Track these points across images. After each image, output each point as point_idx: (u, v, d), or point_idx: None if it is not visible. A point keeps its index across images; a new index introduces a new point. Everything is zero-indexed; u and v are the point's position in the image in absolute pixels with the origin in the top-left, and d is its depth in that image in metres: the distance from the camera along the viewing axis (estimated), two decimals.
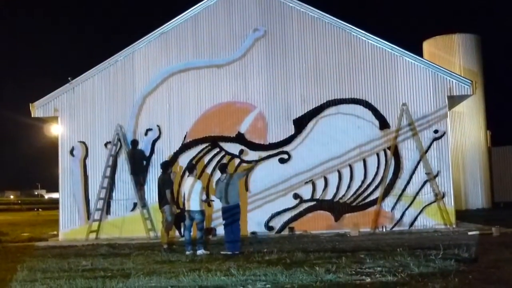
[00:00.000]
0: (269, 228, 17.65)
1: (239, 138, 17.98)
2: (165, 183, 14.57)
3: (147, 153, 18.07)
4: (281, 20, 18.35)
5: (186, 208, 13.45)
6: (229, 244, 12.94)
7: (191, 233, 13.52)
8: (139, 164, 17.87)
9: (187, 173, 14.71)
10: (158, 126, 18.22)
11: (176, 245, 14.89)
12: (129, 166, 17.77)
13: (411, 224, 17.38)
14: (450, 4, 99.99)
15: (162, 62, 18.47)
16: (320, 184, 17.72)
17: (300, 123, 17.96)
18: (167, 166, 15.37)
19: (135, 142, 17.95)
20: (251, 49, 18.28)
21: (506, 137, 35.81)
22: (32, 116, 18.53)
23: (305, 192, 17.72)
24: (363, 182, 17.66)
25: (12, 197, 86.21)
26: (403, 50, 17.98)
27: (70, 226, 18.10)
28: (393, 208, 17.50)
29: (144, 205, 17.73)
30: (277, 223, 17.66)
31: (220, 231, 14.88)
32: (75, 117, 18.46)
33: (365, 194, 17.63)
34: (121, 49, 18.61)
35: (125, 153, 17.89)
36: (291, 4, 18.28)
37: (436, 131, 17.62)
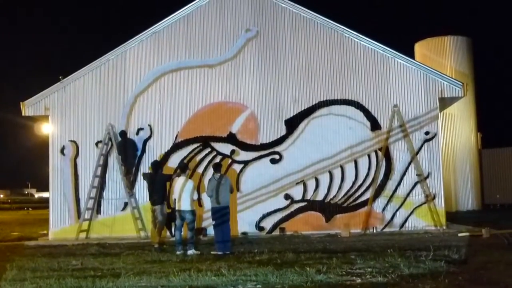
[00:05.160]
0: (260, 228, 17.64)
1: (231, 138, 17.97)
2: (158, 180, 14.57)
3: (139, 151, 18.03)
4: (273, 20, 18.35)
5: (177, 208, 13.42)
6: (220, 244, 12.93)
7: (182, 233, 13.50)
8: (130, 152, 17.79)
9: (178, 172, 14.67)
10: (149, 125, 18.16)
11: (166, 245, 14.85)
12: (119, 154, 17.72)
13: (402, 225, 17.43)
14: (442, 6, 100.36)
15: (154, 62, 18.41)
16: (311, 184, 17.74)
17: (292, 124, 17.96)
18: (157, 166, 15.39)
19: (124, 133, 17.89)
20: (243, 49, 18.28)
21: (497, 139, 35.97)
22: (23, 114, 18.43)
23: (296, 192, 17.73)
24: (354, 183, 17.69)
25: (1, 196, 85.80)
26: (395, 52, 18.03)
27: (60, 226, 18.00)
28: (383, 209, 17.54)
29: (131, 189, 17.67)
30: (268, 223, 17.65)
31: (211, 231, 14.85)
32: (66, 116, 18.37)
33: (356, 195, 17.66)
34: (112, 48, 18.56)
35: (115, 147, 17.78)
36: (283, 5, 18.29)
37: (427, 133, 17.68)
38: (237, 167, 17.83)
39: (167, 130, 18.12)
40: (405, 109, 17.78)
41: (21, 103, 18.30)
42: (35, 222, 28.38)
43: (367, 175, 17.69)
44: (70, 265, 11.47)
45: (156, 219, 14.64)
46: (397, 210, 17.51)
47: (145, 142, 18.10)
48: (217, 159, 17.61)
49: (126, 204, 17.77)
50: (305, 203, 17.70)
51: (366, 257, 10.92)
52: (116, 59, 18.46)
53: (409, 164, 17.60)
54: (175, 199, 13.47)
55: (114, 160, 18.01)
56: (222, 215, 13.11)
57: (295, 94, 18.03)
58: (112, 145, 17.99)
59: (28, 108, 18.36)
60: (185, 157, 17.84)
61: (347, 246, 13.47)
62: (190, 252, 12.94)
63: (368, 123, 17.83)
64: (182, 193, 13.34)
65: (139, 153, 18.00)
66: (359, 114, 17.86)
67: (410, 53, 28.75)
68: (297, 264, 10.35)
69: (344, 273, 9.33)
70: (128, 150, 17.78)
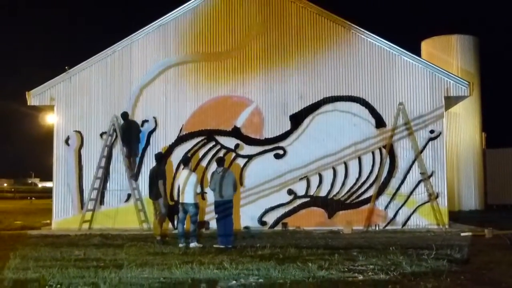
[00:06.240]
0: (263, 223, 17.65)
1: (235, 132, 17.97)
2: (159, 175, 14.52)
3: (143, 143, 18.03)
4: (280, 15, 18.30)
5: (180, 201, 13.45)
6: (222, 238, 12.96)
7: (185, 226, 13.52)
8: (134, 134, 17.81)
9: (181, 166, 14.66)
10: (154, 117, 18.18)
11: (169, 237, 14.87)
12: (123, 137, 17.73)
13: (404, 223, 17.42)
14: (449, 4, 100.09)
15: (160, 54, 18.41)
16: (314, 180, 17.74)
17: (297, 119, 17.95)
18: (161, 158, 15.34)
19: (126, 115, 17.86)
20: (249, 43, 18.25)
21: (501, 140, 35.86)
22: (28, 104, 18.46)
23: (300, 188, 17.74)
24: (357, 180, 17.69)
25: (5, 185, 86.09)
26: (402, 50, 17.98)
27: (63, 216, 18.06)
28: (386, 206, 17.54)
29: (133, 176, 17.70)
30: (270, 218, 17.67)
31: (213, 224, 14.86)
32: (72, 107, 18.40)
33: (359, 192, 17.65)
34: (119, 39, 18.56)
35: (119, 137, 17.79)
36: None
37: (432, 131, 17.65)
38: (241, 161, 17.84)
39: (172, 123, 18.13)
40: (411, 107, 17.75)
41: (27, 92, 18.34)
42: (38, 211, 28.46)
43: (371, 172, 17.68)
44: (72, 255, 11.51)
45: (157, 211, 14.61)
46: (399, 208, 17.51)
47: (149, 134, 18.12)
48: (221, 153, 17.61)
49: (129, 195, 17.81)
50: (308, 199, 17.71)
51: (368, 254, 10.93)
52: (122, 51, 18.45)
53: (413, 162, 17.58)
54: (178, 192, 13.50)
55: (118, 152, 18.03)
56: (225, 209, 13.14)
57: (300, 90, 18.00)
58: (116, 136, 18.01)
59: (34, 98, 18.39)
60: (189, 150, 17.84)
61: (349, 242, 13.47)
62: (192, 245, 12.97)
63: (373, 120, 17.80)
64: (185, 186, 13.37)
65: (143, 140, 17.98)
66: (364, 111, 17.84)
67: (417, 51, 28.69)
68: (299, 259, 10.37)
69: (346, 269, 9.35)
70: (131, 132, 17.78)
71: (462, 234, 15.13)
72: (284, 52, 18.18)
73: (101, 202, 18.03)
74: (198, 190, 13.91)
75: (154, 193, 14.60)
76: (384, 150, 17.63)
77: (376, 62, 17.99)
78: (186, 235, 13.39)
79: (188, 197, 13.34)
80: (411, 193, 17.53)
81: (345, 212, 17.59)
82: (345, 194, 17.68)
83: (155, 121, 18.16)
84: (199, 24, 18.44)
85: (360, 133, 17.77)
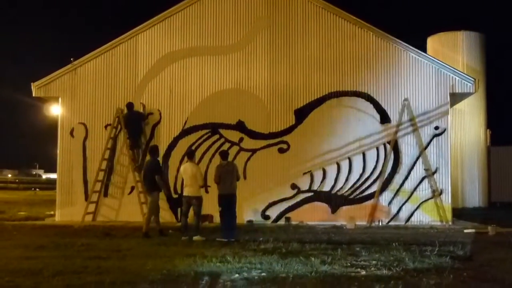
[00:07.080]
0: (266, 217, 17.67)
1: (239, 126, 17.96)
2: (153, 169, 14.19)
3: (147, 136, 18.05)
4: (285, 9, 18.25)
5: (184, 194, 13.46)
6: (225, 231, 12.97)
7: (188, 219, 13.52)
8: (137, 125, 17.87)
9: (186, 159, 14.64)
10: (159, 110, 18.19)
11: (172, 230, 14.86)
12: (127, 128, 17.79)
13: (408, 219, 17.41)
14: (455, 1, 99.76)
15: (165, 47, 18.40)
16: (318, 175, 17.73)
17: (301, 114, 17.92)
18: (155, 151, 14.92)
19: (131, 106, 17.85)
20: (255, 37, 18.20)
21: (506, 137, 35.79)
22: (33, 95, 18.50)
23: (303, 182, 17.74)
24: (361, 175, 17.67)
25: (9, 175, 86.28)
26: (407, 45, 17.93)
27: (67, 207, 18.09)
28: (390, 202, 17.52)
29: (137, 169, 17.67)
30: (273, 212, 17.68)
31: (217, 218, 14.85)
32: (76, 98, 18.41)
33: (363, 187, 17.64)
34: (125, 32, 18.54)
35: (123, 129, 17.82)
36: None
37: (436, 128, 17.62)
38: (245, 155, 17.83)
39: (176, 116, 18.14)
40: (416, 103, 17.72)
41: (32, 84, 18.36)
42: (42, 202, 28.53)
43: (375, 168, 17.66)
44: (76, 246, 11.54)
45: (152, 205, 14.31)
46: (403, 204, 17.50)
47: (154, 126, 18.13)
48: (225, 147, 17.60)
49: (133, 188, 17.83)
50: (312, 194, 17.71)
51: (371, 250, 10.94)
52: (127, 43, 18.44)
53: (417, 158, 17.56)
54: (182, 185, 13.48)
55: (122, 144, 18.05)
56: (228, 202, 13.16)
57: (305, 84, 17.96)
58: (121, 128, 18.03)
59: (39, 89, 18.41)
60: (193, 143, 17.85)
61: (352, 238, 13.47)
62: (195, 238, 12.97)
63: (377, 116, 17.77)
64: (189, 179, 13.37)
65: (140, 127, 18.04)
66: (369, 106, 17.81)
67: (423, 47, 28.54)
68: (302, 254, 10.38)
69: (348, 264, 9.35)
70: (135, 123, 17.82)
71: (466, 231, 15.12)
72: (289, 46, 18.14)
73: (105, 194, 18.07)
74: (202, 183, 13.86)
75: (146, 187, 14.44)
76: (388, 146, 17.60)
77: (381, 57, 17.95)
78: (190, 228, 13.39)
79: (191, 190, 13.34)
80: (415, 189, 17.51)
81: (348, 207, 17.58)
82: (348, 189, 17.67)
83: (160, 114, 18.16)
84: (204, 17, 18.40)
85: (365, 129, 17.74)
